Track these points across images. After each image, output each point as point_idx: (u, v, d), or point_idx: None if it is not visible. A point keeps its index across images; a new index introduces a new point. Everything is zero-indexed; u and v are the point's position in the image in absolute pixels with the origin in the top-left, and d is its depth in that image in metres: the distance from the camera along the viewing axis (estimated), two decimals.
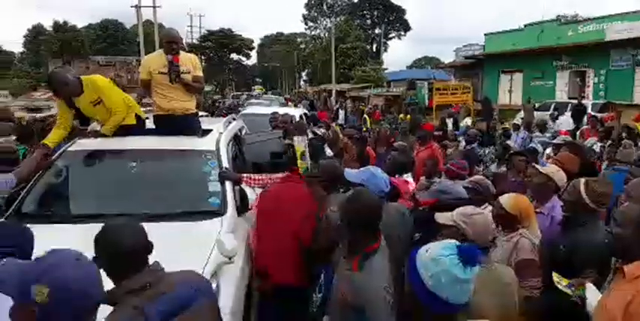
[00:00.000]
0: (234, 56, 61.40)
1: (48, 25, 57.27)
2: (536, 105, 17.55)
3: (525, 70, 24.42)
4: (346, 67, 45.57)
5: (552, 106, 17.05)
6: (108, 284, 1.56)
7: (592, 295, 2.19)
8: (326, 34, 55.35)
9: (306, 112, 11.40)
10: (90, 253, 1.43)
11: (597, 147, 7.49)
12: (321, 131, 5.01)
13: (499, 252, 2.69)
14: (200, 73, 4.32)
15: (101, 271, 1.42)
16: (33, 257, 1.75)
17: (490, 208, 3.19)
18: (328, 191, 3.50)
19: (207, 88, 35.19)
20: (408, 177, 4.68)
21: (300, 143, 3.92)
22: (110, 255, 1.70)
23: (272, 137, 5.29)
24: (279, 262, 3.35)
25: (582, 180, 2.81)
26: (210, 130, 4.31)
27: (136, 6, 28.44)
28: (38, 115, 11.11)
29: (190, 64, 4.21)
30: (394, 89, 32.54)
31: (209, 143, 4.02)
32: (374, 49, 57.86)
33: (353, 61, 46.45)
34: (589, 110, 14.79)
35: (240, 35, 58.77)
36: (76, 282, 1.23)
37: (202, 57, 49.31)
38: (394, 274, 2.28)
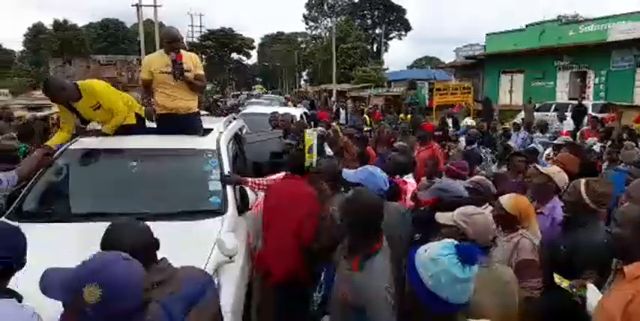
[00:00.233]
0: (234, 56, 61.44)
1: (48, 23, 57.38)
2: (537, 105, 17.55)
3: (526, 71, 24.41)
4: (347, 67, 45.59)
5: (553, 107, 17.06)
6: None
7: (593, 295, 2.19)
8: (327, 34, 55.35)
9: (307, 111, 11.41)
10: (89, 250, 1.43)
11: (597, 147, 7.49)
12: (319, 130, 5.01)
13: (499, 252, 2.68)
14: (201, 72, 4.32)
15: None
16: (31, 256, 1.77)
17: (491, 208, 3.19)
18: (333, 189, 3.51)
19: (207, 88, 35.17)
20: (409, 177, 4.68)
21: (310, 136, 3.93)
22: None
23: (272, 137, 5.30)
24: (280, 260, 3.36)
25: (583, 180, 2.81)
26: (211, 130, 4.31)
27: (136, 5, 28.43)
28: (39, 114, 11.10)
29: (191, 62, 4.21)
30: (394, 89, 32.55)
31: (210, 142, 4.02)
32: (374, 49, 57.87)
33: (354, 61, 46.47)
34: (589, 111, 14.80)
35: (241, 34, 58.82)
36: (126, 281, 1.26)
37: (203, 56, 49.27)
38: (395, 274, 2.28)
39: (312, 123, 8.44)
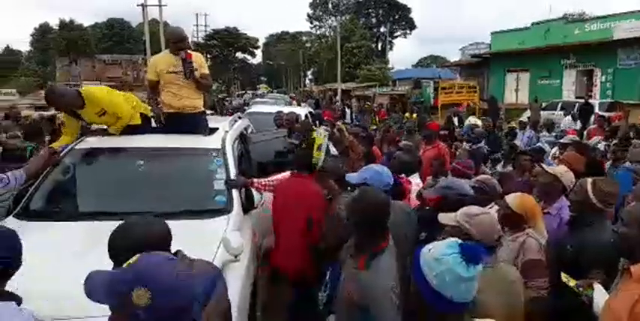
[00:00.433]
0: (239, 55, 61.47)
1: (55, 24, 57.62)
2: (543, 104, 17.47)
3: (532, 69, 24.30)
4: (352, 65, 45.55)
5: (559, 106, 16.97)
6: None
7: (599, 295, 2.18)
8: (331, 33, 55.34)
9: (312, 111, 11.42)
10: (96, 249, 1.44)
11: (602, 146, 7.45)
12: (323, 129, 5.02)
13: (505, 252, 2.68)
14: (206, 71, 4.35)
15: None
16: (38, 255, 1.77)
17: (496, 207, 3.18)
18: (340, 187, 3.51)
19: (212, 87, 35.25)
20: (415, 177, 4.67)
21: (320, 135, 3.94)
22: (115, 254, 1.70)
23: (277, 136, 5.30)
24: (289, 258, 3.39)
25: (589, 179, 2.80)
26: (217, 129, 4.32)
27: (141, 5, 28.53)
28: (46, 113, 11.18)
29: (197, 62, 4.24)
30: (399, 88, 32.50)
31: (215, 141, 4.03)
32: (379, 48, 57.78)
33: (358, 60, 46.42)
34: (596, 109, 14.72)
35: (246, 34, 58.82)
36: (174, 282, 1.26)
37: (208, 56, 49.39)
38: (401, 273, 2.28)
39: (316, 122, 8.45)
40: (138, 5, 28.68)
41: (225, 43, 56.33)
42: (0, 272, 1.63)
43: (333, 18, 59.76)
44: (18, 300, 1.62)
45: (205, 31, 55.14)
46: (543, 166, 3.82)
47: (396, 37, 62.15)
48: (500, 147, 8.44)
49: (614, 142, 6.87)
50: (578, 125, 12.09)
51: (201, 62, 4.31)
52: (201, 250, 2.71)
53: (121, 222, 1.85)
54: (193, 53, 4.32)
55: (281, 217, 3.55)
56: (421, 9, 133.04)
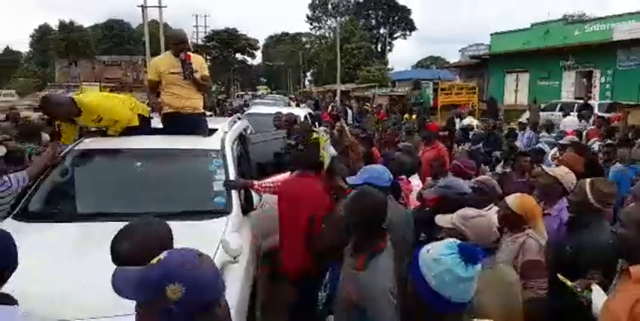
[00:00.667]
0: (239, 56, 61.45)
1: (54, 24, 57.64)
2: (542, 105, 17.48)
3: (531, 70, 24.33)
4: (351, 66, 45.58)
5: (558, 107, 16.98)
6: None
7: (598, 296, 2.18)
8: (331, 34, 55.35)
9: (311, 112, 11.41)
10: (94, 250, 1.44)
11: (596, 146, 7.44)
12: (322, 129, 5.02)
13: (505, 252, 2.68)
14: (206, 73, 4.39)
15: None
16: (36, 256, 1.77)
17: (495, 208, 3.18)
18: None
19: (212, 88, 35.29)
20: (415, 178, 4.68)
21: (324, 136, 3.96)
22: (118, 256, 1.71)
23: (276, 137, 5.30)
24: (292, 258, 3.40)
25: (588, 180, 2.81)
26: (216, 130, 4.32)
27: (141, 6, 28.54)
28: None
29: (197, 64, 4.28)
30: (399, 89, 32.51)
31: (214, 142, 4.03)
32: (379, 49, 57.83)
33: (358, 61, 46.45)
34: (595, 110, 14.72)
35: (245, 35, 58.76)
36: (205, 277, 1.29)
37: (207, 57, 49.41)
38: (398, 274, 2.28)
39: (316, 123, 8.45)
40: (138, 6, 28.71)
41: (225, 44, 56.29)
42: None
43: (332, 19, 59.81)
44: (13, 302, 1.62)
45: (205, 32, 55.21)
46: (544, 167, 3.82)
47: (396, 38, 62.23)
48: (500, 148, 8.45)
49: (608, 142, 6.89)
50: (583, 124, 12.09)
51: (201, 64, 4.35)
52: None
53: (119, 223, 1.85)
54: (193, 55, 4.36)
55: (286, 216, 3.57)
56: (421, 10, 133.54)
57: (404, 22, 60.98)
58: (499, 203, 3.07)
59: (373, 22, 60.68)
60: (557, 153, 6.57)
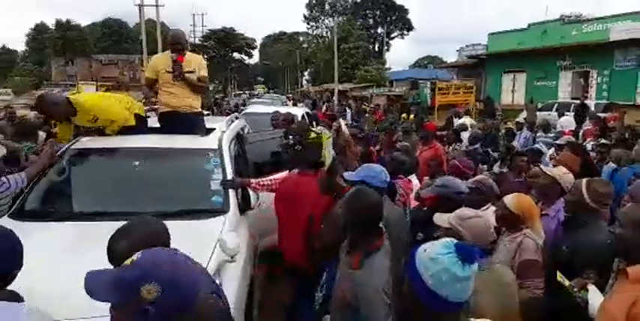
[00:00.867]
0: (236, 55, 61.40)
1: (51, 23, 57.46)
2: (539, 105, 17.52)
3: (528, 70, 24.40)
4: (349, 66, 45.59)
5: (555, 107, 17.03)
6: None
7: (594, 297, 2.18)
8: (328, 34, 55.33)
9: (309, 111, 11.42)
10: (90, 249, 1.43)
11: (589, 145, 7.46)
12: (319, 129, 5.01)
13: (502, 252, 2.68)
14: (205, 74, 4.37)
15: None
16: (32, 255, 1.76)
17: (492, 208, 3.19)
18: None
19: (209, 87, 35.24)
20: (412, 178, 4.68)
21: (326, 134, 3.96)
22: (115, 256, 1.70)
23: (273, 136, 5.29)
24: (291, 255, 3.41)
25: (584, 180, 2.82)
26: (213, 129, 4.31)
27: (139, 5, 28.47)
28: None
29: (195, 64, 4.29)
30: (396, 89, 32.54)
31: (211, 142, 4.02)
32: (376, 49, 57.85)
33: (356, 61, 46.46)
34: (592, 110, 14.75)
35: (243, 34, 58.76)
36: (182, 276, 1.28)
37: (205, 56, 49.39)
38: (394, 274, 2.29)
39: (313, 123, 8.44)
40: (135, 5, 28.65)
41: (222, 43, 56.24)
42: (3, 274, 1.62)
43: (330, 18, 59.78)
44: (19, 299, 1.62)
45: (202, 31, 55.11)
46: (542, 167, 3.82)
47: (393, 37, 62.31)
48: (497, 148, 8.46)
49: (601, 142, 6.91)
50: (566, 121, 12.15)
51: (200, 64, 4.34)
52: (198, 251, 2.70)
53: (116, 222, 1.84)
54: (193, 55, 4.39)
55: (284, 215, 3.57)
56: (418, 10, 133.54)
57: (401, 22, 61.05)
58: (496, 203, 3.08)
59: (371, 21, 60.74)
60: (555, 153, 6.58)
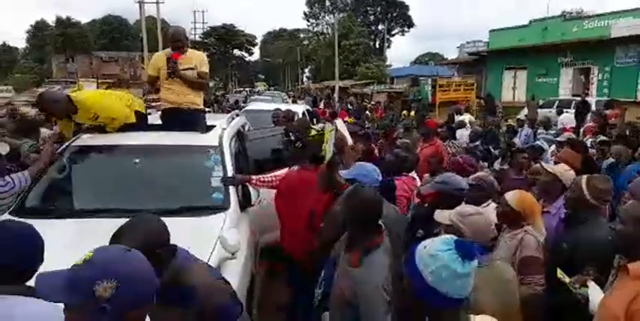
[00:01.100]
0: (236, 52, 61.35)
1: (51, 20, 57.37)
2: (540, 102, 17.49)
3: (529, 67, 24.33)
4: (349, 63, 45.51)
5: (556, 104, 17.00)
6: None
7: (595, 293, 2.18)
8: (329, 30, 55.23)
9: (309, 108, 11.41)
10: (90, 246, 1.43)
11: (589, 142, 7.44)
12: (319, 126, 5.01)
13: (503, 249, 2.69)
14: (205, 70, 4.36)
15: None
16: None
17: (493, 205, 3.19)
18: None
19: (210, 84, 35.21)
20: (413, 174, 4.69)
21: (329, 129, 3.96)
22: None
23: (274, 134, 5.29)
24: (293, 251, 3.42)
25: (584, 177, 2.82)
26: (214, 126, 4.31)
27: (139, 2, 28.43)
28: None
29: (197, 60, 4.28)
30: (397, 86, 32.50)
31: (212, 139, 4.02)
32: (377, 46, 57.73)
33: (356, 58, 46.37)
34: (593, 107, 14.73)
35: (243, 31, 58.72)
36: (137, 271, 1.28)
37: (205, 53, 49.31)
38: (394, 271, 2.29)
39: (314, 120, 8.44)
40: (135, 2, 28.61)
41: (223, 40, 56.22)
42: (26, 269, 1.64)
43: (330, 15, 59.65)
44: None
45: (203, 28, 55.06)
46: (543, 164, 3.82)
47: (394, 34, 62.17)
48: (498, 145, 8.45)
49: (600, 139, 6.90)
50: (566, 118, 12.14)
51: (201, 60, 4.33)
52: (198, 248, 2.71)
53: (116, 219, 1.85)
54: (194, 51, 4.39)
55: (284, 211, 3.58)
56: (419, 6, 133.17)
57: (402, 19, 60.90)
58: (497, 200, 3.08)
59: (371, 18, 60.61)
60: (556, 150, 6.58)
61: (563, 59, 22.54)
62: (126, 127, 4.09)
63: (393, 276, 2.24)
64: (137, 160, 3.78)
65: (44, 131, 6.25)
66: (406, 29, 62.09)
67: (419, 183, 4.47)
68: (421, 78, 28.24)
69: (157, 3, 29.15)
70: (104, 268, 1.25)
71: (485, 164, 7.07)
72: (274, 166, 4.49)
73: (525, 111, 16.45)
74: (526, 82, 24.58)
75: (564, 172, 3.38)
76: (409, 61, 69.14)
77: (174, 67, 4.14)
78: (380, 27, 59.88)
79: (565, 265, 2.50)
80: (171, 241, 1.96)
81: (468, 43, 38.11)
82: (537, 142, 7.69)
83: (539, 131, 10.02)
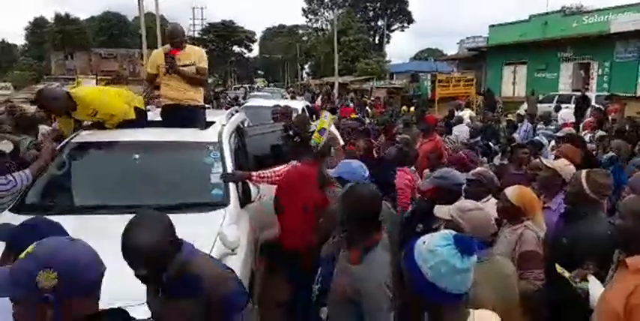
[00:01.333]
0: (236, 48, 61.21)
1: (50, 17, 57.22)
2: (540, 97, 17.47)
3: (529, 62, 24.29)
4: (349, 59, 45.40)
5: (556, 99, 16.99)
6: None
7: (595, 288, 2.19)
8: (328, 26, 55.06)
9: (308, 104, 11.41)
10: (91, 242, 1.43)
11: (587, 137, 7.44)
12: (328, 114, 5.02)
13: (503, 244, 2.69)
14: (204, 65, 4.36)
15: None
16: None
17: (493, 200, 3.19)
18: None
19: (209, 80, 35.12)
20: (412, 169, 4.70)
21: (325, 119, 3.96)
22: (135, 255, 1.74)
23: (273, 130, 5.28)
24: (292, 246, 3.43)
25: (583, 171, 2.81)
26: (213, 122, 4.31)
27: None
28: None
29: (196, 56, 4.28)
30: (397, 82, 32.44)
31: (212, 135, 4.02)
32: (376, 41, 57.57)
33: (356, 54, 46.24)
34: (593, 102, 14.72)
35: (242, 27, 58.57)
36: (78, 258, 1.28)
37: (204, 49, 49.21)
38: (393, 267, 2.29)
39: (313, 116, 8.45)
40: None
41: (222, 36, 56.07)
42: None
43: (330, 11, 59.40)
44: None
45: (202, 24, 54.90)
46: (543, 159, 3.82)
47: (394, 30, 61.96)
48: (497, 140, 8.45)
49: (599, 133, 6.89)
50: (565, 114, 12.12)
51: (200, 57, 4.33)
52: (198, 244, 2.71)
53: (116, 215, 1.85)
54: (194, 47, 4.40)
55: (285, 203, 3.59)
56: (418, 2, 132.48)
57: (401, 14, 60.64)
58: (497, 195, 3.08)
59: (371, 14, 60.35)
60: (556, 145, 6.57)
61: (563, 54, 22.50)
62: (125, 124, 4.09)
63: (393, 271, 2.24)
64: (137, 157, 3.78)
65: (43, 128, 6.25)
66: (406, 25, 61.89)
67: (416, 178, 4.47)
68: (421, 74, 28.15)
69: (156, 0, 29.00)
70: (44, 259, 1.24)
71: (485, 159, 7.08)
72: (274, 162, 4.49)
73: (525, 106, 16.44)
74: (526, 77, 24.54)
75: (564, 167, 3.37)
76: (409, 57, 69.15)
77: (171, 63, 4.15)
78: (379, 23, 59.65)
79: (565, 259, 2.50)
80: None
81: (467, 38, 38.08)
82: (536, 138, 7.69)
83: (538, 126, 10.02)
